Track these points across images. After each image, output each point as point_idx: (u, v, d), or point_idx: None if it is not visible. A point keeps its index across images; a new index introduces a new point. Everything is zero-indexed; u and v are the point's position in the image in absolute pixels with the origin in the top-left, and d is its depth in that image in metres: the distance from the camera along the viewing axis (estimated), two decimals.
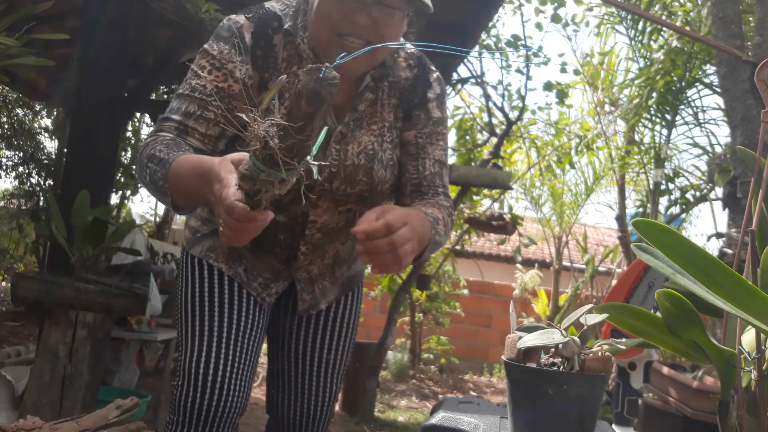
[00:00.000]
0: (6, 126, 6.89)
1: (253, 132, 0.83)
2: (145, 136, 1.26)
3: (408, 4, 1.21)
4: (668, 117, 4.94)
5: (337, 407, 4.65)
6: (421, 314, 7.18)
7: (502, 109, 5.40)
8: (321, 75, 0.81)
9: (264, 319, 1.44)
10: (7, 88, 6.23)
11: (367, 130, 1.34)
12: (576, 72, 6.00)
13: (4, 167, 6.73)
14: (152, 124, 6.84)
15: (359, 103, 1.32)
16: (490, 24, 5.11)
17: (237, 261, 1.39)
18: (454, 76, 4.96)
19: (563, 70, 6.01)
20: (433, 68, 1.41)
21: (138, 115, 7.66)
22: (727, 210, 3.08)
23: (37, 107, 7.17)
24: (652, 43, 5.04)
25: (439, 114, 1.40)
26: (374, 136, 1.34)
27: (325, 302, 1.49)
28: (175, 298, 1.46)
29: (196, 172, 1.05)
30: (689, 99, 4.90)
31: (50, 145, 7.36)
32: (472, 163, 5.69)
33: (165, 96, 6.16)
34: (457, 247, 7.03)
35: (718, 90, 4.17)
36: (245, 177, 0.88)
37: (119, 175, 7.20)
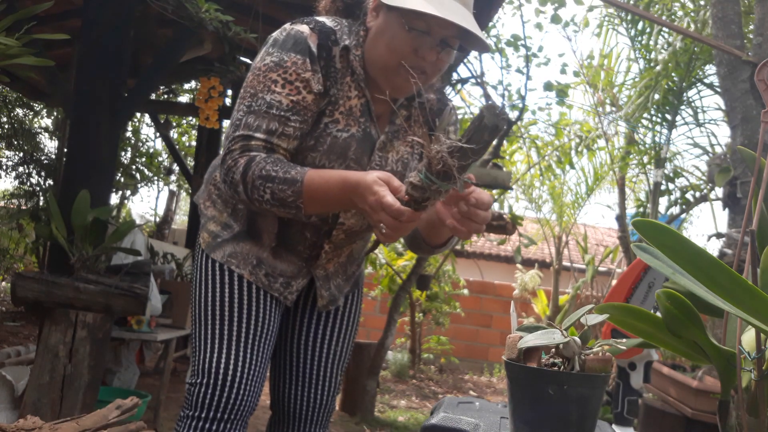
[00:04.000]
0: (6, 126, 6.89)
1: (432, 151, 1.03)
2: (231, 155, 1.32)
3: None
4: (669, 117, 4.94)
5: (337, 407, 4.66)
6: (421, 314, 7.18)
7: None
8: (499, 112, 1.01)
9: (278, 320, 1.53)
10: (7, 88, 6.22)
11: (404, 142, 1.48)
12: (576, 73, 6.00)
13: (4, 167, 6.73)
14: (152, 124, 6.84)
15: (396, 118, 1.46)
16: (490, 24, 5.11)
17: (258, 267, 1.46)
18: (454, 76, 4.96)
19: (563, 71, 6.01)
20: (449, 98, 1.60)
21: (138, 115, 7.66)
22: (727, 210, 3.08)
23: (37, 107, 7.17)
24: (652, 43, 5.04)
25: (455, 137, 1.54)
26: (409, 146, 1.49)
27: (341, 298, 1.60)
28: (184, 299, 1.53)
29: (343, 187, 1.22)
30: (690, 99, 4.90)
31: (50, 145, 7.37)
32: None
33: (165, 96, 6.15)
34: (457, 247, 7.02)
35: (718, 90, 4.17)
36: (417, 187, 1.09)
37: (119, 175, 7.20)
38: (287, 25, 1.38)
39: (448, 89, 4.96)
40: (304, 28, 1.35)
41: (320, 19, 1.40)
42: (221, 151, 1.37)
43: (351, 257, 1.57)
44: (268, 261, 1.47)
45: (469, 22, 1.28)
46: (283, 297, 1.49)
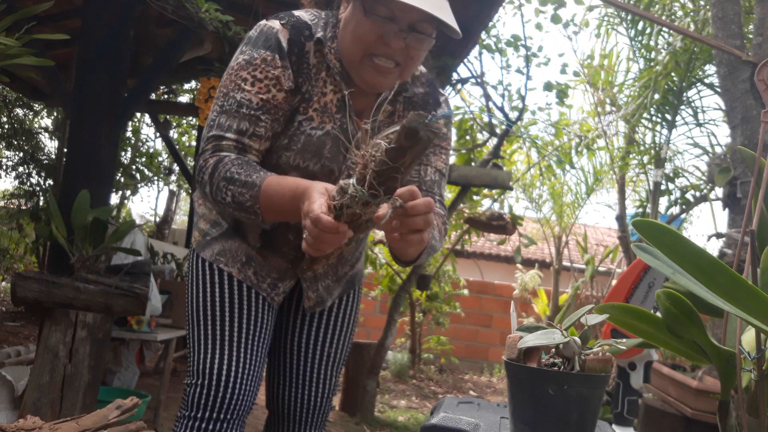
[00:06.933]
0: (6, 126, 6.89)
1: (360, 154, 0.97)
2: (203, 156, 1.30)
3: (437, 29, 1.28)
4: (668, 117, 4.94)
5: (337, 407, 4.66)
6: (421, 314, 7.18)
7: (502, 109, 5.40)
8: (425, 120, 0.93)
9: (272, 319, 1.50)
10: (7, 88, 6.22)
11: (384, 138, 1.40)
12: (576, 73, 6.00)
13: (4, 167, 6.73)
14: (152, 124, 6.84)
15: (378, 114, 1.39)
16: (490, 24, 5.11)
17: (247, 264, 1.44)
18: (454, 76, 4.96)
19: (563, 71, 6.01)
20: (442, 91, 1.50)
21: (138, 115, 7.66)
22: (727, 210, 3.07)
23: (37, 107, 7.16)
24: (652, 43, 5.04)
25: (445, 130, 1.47)
26: None
27: (330, 300, 1.55)
28: (184, 299, 1.51)
29: (293, 194, 1.17)
30: (690, 99, 4.90)
31: (50, 145, 7.37)
32: (472, 163, 5.69)
33: (165, 96, 6.15)
34: (457, 247, 7.02)
35: (718, 90, 4.17)
36: (341, 190, 1.03)
37: (119, 175, 7.20)
38: (262, 21, 1.35)
39: (448, 89, 4.96)
40: (276, 24, 1.32)
41: (297, 13, 1.36)
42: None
43: (342, 258, 1.53)
44: (257, 259, 1.45)
45: (434, 5, 1.20)
46: (270, 298, 1.47)
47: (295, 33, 1.32)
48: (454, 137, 6.16)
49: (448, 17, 1.23)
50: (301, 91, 1.33)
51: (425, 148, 0.98)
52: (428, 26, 1.25)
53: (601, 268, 6.84)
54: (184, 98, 6.79)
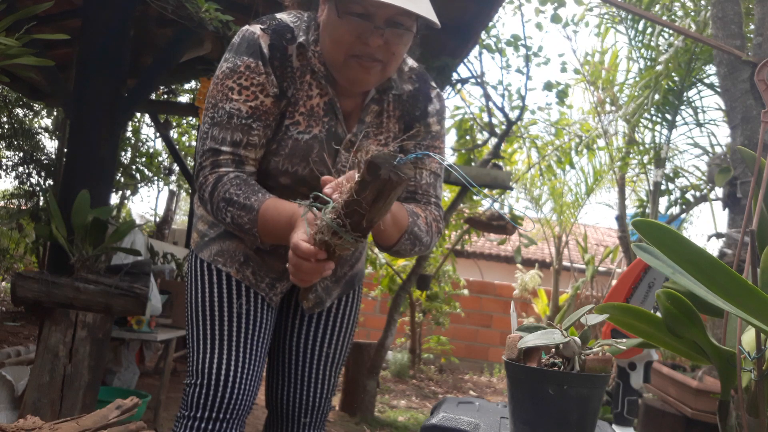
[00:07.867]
0: (6, 126, 6.89)
1: (343, 184, 0.97)
2: (203, 172, 1.30)
3: (417, 22, 1.26)
4: (669, 117, 4.94)
5: (337, 407, 4.66)
6: (421, 314, 7.18)
7: (502, 109, 5.39)
8: (393, 160, 0.90)
9: (271, 319, 1.50)
10: (7, 88, 6.23)
11: (374, 140, 1.40)
12: (576, 71, 6.00)
13: (4, 167, 6.73)
14: (152, 124, 6.85)
15: (366, 115, 1.38)
16: (490, 24, 5.11)
17: (245, 264, 1.44)
18: (454, 76, 4.96)
19: (563, 70, 6.01)
20: (433, 84, 1.47)
21: (138, 115, 7.66)
22: (727, 210, 3.07)
23: (37, 107, 7.17)
24: (652, 43, 5.03)
25: (438, 128, 1.45)
26: (380, 145, 1.40)
27: (330, 301, 1.55)
28: (184, 299, 1.50)
29: (289, 221, 1.17)
30: (690, 99, 4.90)
31: (50, 145, 7.39)
32: (472, 163, 5.68)
33: (165, 96, 6.15)
34: (457, 247, 7.02)
35: (718, 90, 4.17)
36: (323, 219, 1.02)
37: (119, 175, 7.20)
38: (244, 27, 1.34)
39: (448, 89, 4.95)
40: (256, 29, 1.31)
41: (279, 16, 1.35)
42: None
43: (341, 258, 1.53)
44: (255, 259, 1.45)
45: None
46: (268, 298, 1.47)
47: (276, 37, 1.31)
48: (454, 137, 6.17)
49: (425, 9, 1.21)
50: (287, 96, 1.32)
51: (388, 191, 0.95)
52: (406, 19, 1.23)
53: (601, 268, 6.84)
54: (184, 98, 6.79)
